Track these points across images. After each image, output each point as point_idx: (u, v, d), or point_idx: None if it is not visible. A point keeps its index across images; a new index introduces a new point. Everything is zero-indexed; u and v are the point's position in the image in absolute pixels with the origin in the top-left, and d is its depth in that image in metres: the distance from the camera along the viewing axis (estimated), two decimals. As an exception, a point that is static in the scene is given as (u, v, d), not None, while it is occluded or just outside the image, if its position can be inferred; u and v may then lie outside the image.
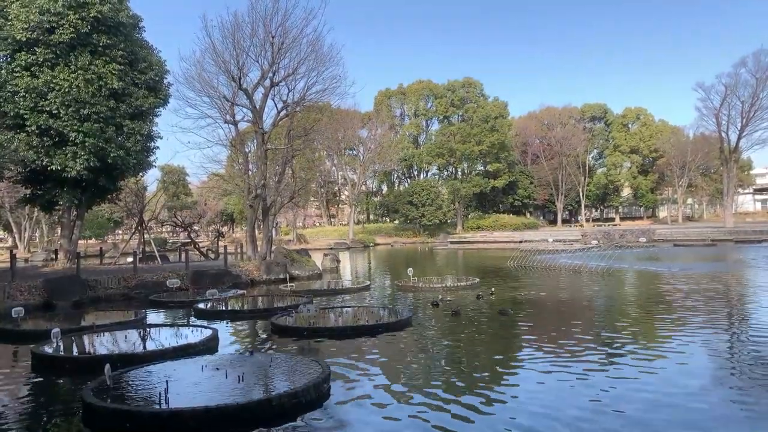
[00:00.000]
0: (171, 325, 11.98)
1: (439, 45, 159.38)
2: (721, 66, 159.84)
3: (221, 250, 27.83)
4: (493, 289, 16.58)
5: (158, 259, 27.01)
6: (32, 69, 19.98)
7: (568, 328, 10.88)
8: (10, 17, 19.92)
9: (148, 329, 11.40)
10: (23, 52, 19.97)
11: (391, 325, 11.18)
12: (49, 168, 20.29)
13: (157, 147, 24.01)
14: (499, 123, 67.86)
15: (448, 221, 65.16)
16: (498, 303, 14.29)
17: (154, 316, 14.05)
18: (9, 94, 19.78)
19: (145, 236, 29.94)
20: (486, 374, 7.92)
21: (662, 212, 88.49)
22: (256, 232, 26.66)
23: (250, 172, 25.59)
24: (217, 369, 7.67)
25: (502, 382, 7.46)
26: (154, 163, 24.71)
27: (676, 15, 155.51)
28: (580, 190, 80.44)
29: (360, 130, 66.89)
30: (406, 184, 74.32)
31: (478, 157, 69.42)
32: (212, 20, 38.98)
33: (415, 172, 76.04)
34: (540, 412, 6.19)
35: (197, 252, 32.77)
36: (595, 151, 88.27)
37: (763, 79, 52.90)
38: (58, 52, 20.18)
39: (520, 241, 45.10)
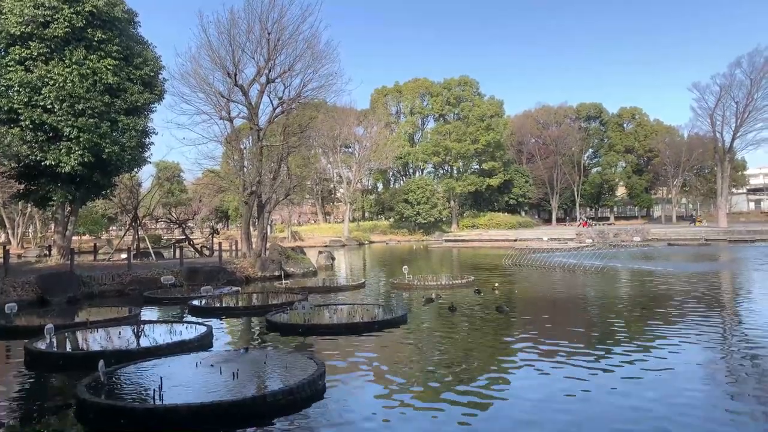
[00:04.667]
0: (165, 322, 11.94)
1: (436, 43, 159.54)
2: (717, 66, 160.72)
3: (216, 247, 27.79)
4: (496, 284, 16.70)
5: (152, 255, 26.92)
6: (26, 63, 19.83)
7: (564, 326, 10.91)
8: (4, 11, 19.75)
9: (142, 326, 11.37)
10: (17, 46, 19.80)
11: (386, 323, 11.18)
12: (43, 163, 20.15)
13: (152, 143, 23.86)
14: (495, 122, 67.91)
15: (444, 219, 65.18)
16: (500, 299, 14.35)
17: (148, 313, 13.99)
18: (3, 88, 19.60)
19: (140, 233, 29.84)
20: (482, 371, 7.93)
21: (656, 212, 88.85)
22: (251, 229, 26.58)
23: (245, 169, 25.49)
24: (212, 366, 7.65)
25: (498, 379, 7.47)
26: (148, 159, 24.55)
27: (672, 14, 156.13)
28: (575, 189, 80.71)
29: (356, 127, 66.76)
30: (402, 182, 74.30)
31: (473, 156, 69.47)
32: (208, 16, 38.93)
33: (411, 170, 76.05)
34: (535, 410, 6.21)
35: (192, 249, 32.68)
36: (591, 150, 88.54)
37: (758, 80, 53.14)
38: (52, 46, 20.02)
39: (515, 240, 45.24)
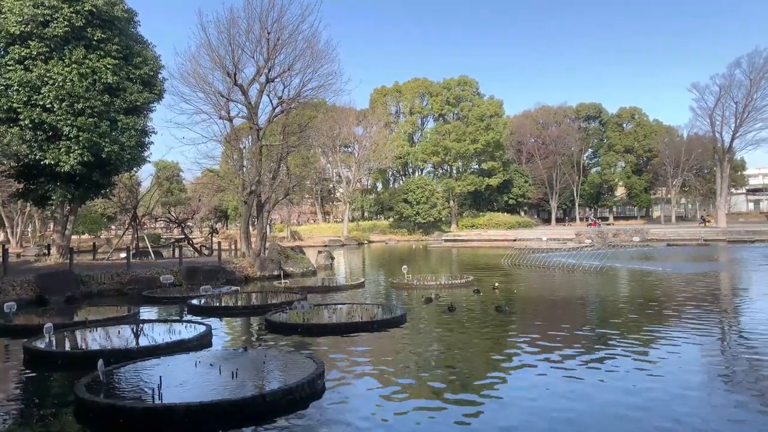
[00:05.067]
0: (164, 321, 11.94)
1: (436, 43, 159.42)
2: (716, 66, 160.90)
3: (215, 246, 27.78)
4: (496, 284, 16.72)
5: (152, 255, 26.90)
6: (26, 62, 19.81)
7: (563, 327, 10.91)
8: (3, 10, 19.72)
9: (141, 325, 11.36)
10: (17, 45, 19.77)
11: (385, 322, 11.19)
12: (42, 162, 20.13)
13: (152, 142, 23.85)
14: (494, 121, 67.88)
15: (443, 219, 65.18)
16: (500, 299, 14.36)
17: (147, 312, 13.98)
18: (2, 87, 19.59)
19: (139, 232, 29.82)
20: (481, 371, 7.94)
21: (656, 212, 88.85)
22: (251, 228, 26.57)
23: (244, 169, 25.49)
24: (211, 365, 7.65)
25: (497, 380, 7.47)
26: (148, 159, 24.54)
27: (672, 14, 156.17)
28: (575, 189, 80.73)
29: (355, 127, 66.75)
30: (401, 182, 74.28)
31: (473, 156, 69.44)
32: (208, 15, 38.93)
33: (410, 170, 76.02)
34: (533, 411, 6.22)
35: (191, 248, 32.68)
36: (590, 150, 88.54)
37: (757, 80, 53.18)
38: (52, 45, 20.00)
39: (515, 240, 45.24)
